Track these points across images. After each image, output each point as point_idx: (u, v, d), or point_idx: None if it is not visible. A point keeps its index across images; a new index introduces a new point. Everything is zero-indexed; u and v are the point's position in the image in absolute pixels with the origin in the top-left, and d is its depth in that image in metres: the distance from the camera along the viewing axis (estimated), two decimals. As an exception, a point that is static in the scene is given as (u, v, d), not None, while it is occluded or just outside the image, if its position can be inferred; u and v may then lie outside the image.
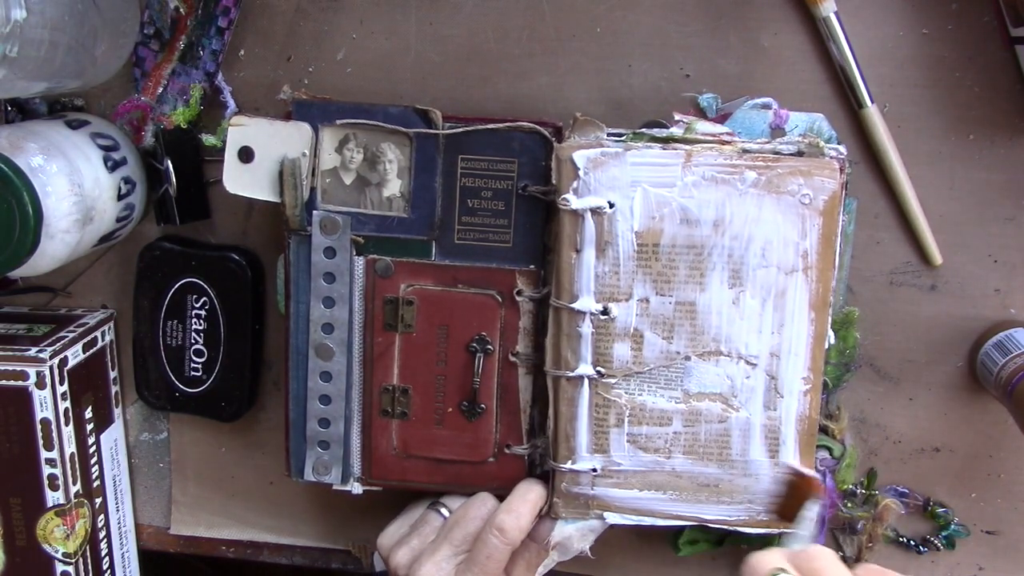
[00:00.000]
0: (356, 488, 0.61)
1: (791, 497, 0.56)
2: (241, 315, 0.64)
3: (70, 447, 0.62)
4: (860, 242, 0.59)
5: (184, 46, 0.61)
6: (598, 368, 0.56)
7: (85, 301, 0.68)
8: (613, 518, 0.58)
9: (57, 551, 0.63)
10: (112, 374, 0.67)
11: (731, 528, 0.58)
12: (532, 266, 0.58)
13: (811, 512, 0.54)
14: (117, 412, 0.68)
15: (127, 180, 0.61)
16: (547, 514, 0.58)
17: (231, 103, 0.62)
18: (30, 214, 0.53)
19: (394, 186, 0.58)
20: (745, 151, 0.54)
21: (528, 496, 0.58)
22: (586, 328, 0.55)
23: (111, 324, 0.67)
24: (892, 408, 0.62)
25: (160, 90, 0.62)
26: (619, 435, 0.57)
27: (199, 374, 0.65)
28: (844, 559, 0.56)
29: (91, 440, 0.65)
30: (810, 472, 0.56)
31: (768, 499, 0.57)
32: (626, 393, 0.56)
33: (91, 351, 0.64)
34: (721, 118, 0.57)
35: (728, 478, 0.57)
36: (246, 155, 0.57)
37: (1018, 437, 0.59)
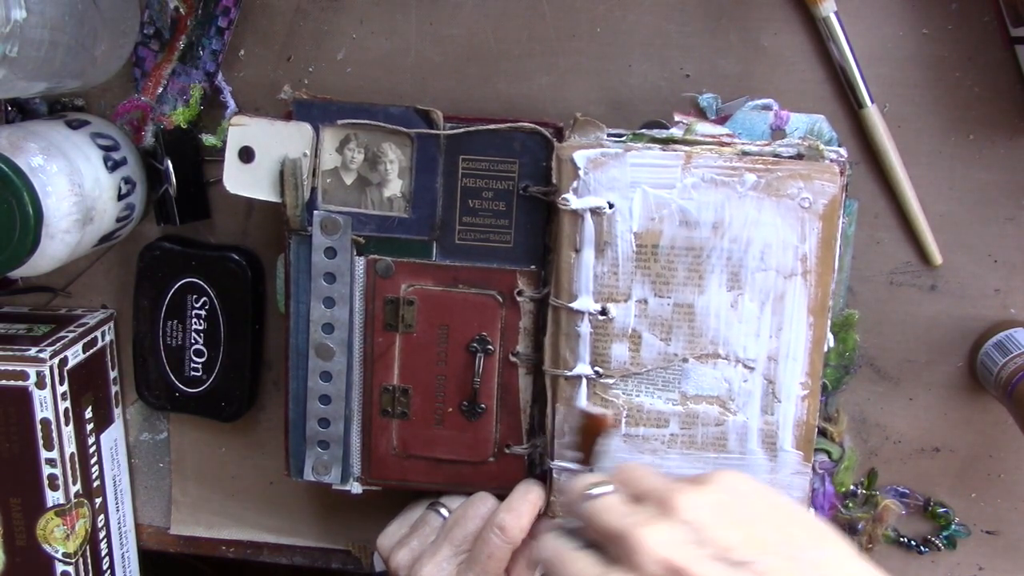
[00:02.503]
0: (356, 488, 0.62)
1: (585, 437, 0.57)
2: (241, 315, 0.64)
3: (70, 447, 0.62)
4: (860, 242, 0.59)
5: (184, 46, 0.61)
6: (596, 368, 0.56)
7: (85, 301, 0.68)
8: (611, 518, 0.58)
9: (57, 551, 0.63)
10: (112, 374, 0.67)
11: None
12: (533, 266, 0.58)
13: (605, 446, 0.55)
14: (117, 412, 0.68)
15: (127, 180, 0.61)
16: (544, 513, 0.59)
17: (231, 103, 0.61)
18: (30, 214, 0.53)
19: (395, 186, 0.58)
20: (745, 153, 0.54)
21: (528, 496, 0.58)
22: (584, 328, 0.55)
23: (111, 324, 0.67)
24: (892, 408, 0.62)
25: (160, 90, 0.62)
26: (616, 436, 0.57)
27: (199, 374, 0.65)
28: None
29: (91, 440, 0.65)
30: (597, 410, 0.56)
31: None
32: (624, 394, 0.56)
33: (91, 351, 0.64)
34: (721, 119, 0.57)
35: None
36: (246, 155, 0.57)
37: (1018, 437, 0.59)
